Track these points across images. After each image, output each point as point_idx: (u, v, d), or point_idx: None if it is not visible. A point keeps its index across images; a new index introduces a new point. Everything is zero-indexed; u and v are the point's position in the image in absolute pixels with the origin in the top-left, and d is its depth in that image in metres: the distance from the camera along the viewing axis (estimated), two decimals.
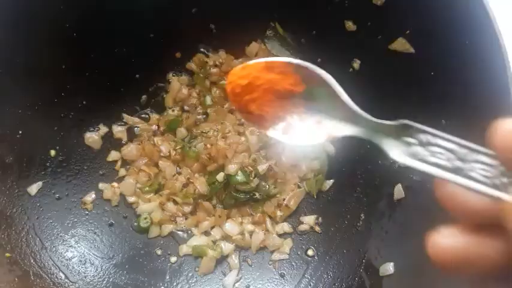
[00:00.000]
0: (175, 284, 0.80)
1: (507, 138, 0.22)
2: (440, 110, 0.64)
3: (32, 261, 0.72)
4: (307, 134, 0.37)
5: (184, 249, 0.82)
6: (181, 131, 0.86)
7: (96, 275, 0.77)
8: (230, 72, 0.40)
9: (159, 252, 0.83)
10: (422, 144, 0.28)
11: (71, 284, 0.74)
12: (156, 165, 0.87)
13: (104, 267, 0.79)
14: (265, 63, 0.37)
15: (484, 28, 0.53)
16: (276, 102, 0.37)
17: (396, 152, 0.29)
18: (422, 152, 0.28)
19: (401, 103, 0.70)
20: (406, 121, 0.29)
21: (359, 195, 0.81)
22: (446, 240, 0.23)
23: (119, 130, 0.87)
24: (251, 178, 0.81)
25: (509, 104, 0.51)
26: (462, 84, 0.59)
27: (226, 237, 0.83)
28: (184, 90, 0.88)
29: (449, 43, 0.59)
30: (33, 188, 0.76)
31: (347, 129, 0.34)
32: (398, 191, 0.73)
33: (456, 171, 0.26)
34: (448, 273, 0.23)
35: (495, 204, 0.22)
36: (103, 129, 0.86)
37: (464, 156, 0.26)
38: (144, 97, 0.88)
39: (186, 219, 0.85)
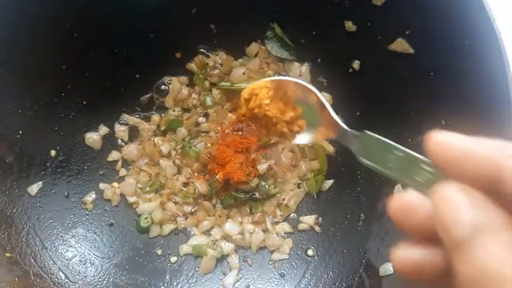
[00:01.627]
0: (175, 284, 0.80)
1: (437, 149, 0.28)
2: (440, 110, 0.64)
3: (32, 261, 0.72)
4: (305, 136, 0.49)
5: (185, 248, 0.82)
6: (182, 131, 0.87)
7: (96, 275, 0.77)
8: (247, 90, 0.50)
9: (159, 252, 0.83)
10: (378, 149, 0.36)
11: (71, 284, 0.74)
12: (157, 165, 0.87)
13: (104, 267, 0.79)
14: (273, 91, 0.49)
15: (484, 28, 0.53)
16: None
17: (358, 154, 0.38)
18: (378, 156, 0.36)
19: (401, 103, 0.71)
20: (367, 132, 0.38)
21: (359, 195, 0.81)
22: (405, 254, 0.29)
23: (120, 130, 0.87)
24: (251, 178, 0.81)
25: (509, 103, 0.51)
26: (462, 84, 0.59)
27: (226, 237, 0.84)
28: (185, 91, 0.88)
29: (449, 43, 0.59)
30: (34, 188, 0.76)
31: (330, 134, 0.45)
32: (398, 191, 0.73)
33: (403, 173, 0.33)
34: (412, 280, 0.29)
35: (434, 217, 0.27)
36: (103, 129, 0.86)
37: (410, 162, 0.32)
38: (144, 97, 0.88)
39: (186, 219, 0.85)
